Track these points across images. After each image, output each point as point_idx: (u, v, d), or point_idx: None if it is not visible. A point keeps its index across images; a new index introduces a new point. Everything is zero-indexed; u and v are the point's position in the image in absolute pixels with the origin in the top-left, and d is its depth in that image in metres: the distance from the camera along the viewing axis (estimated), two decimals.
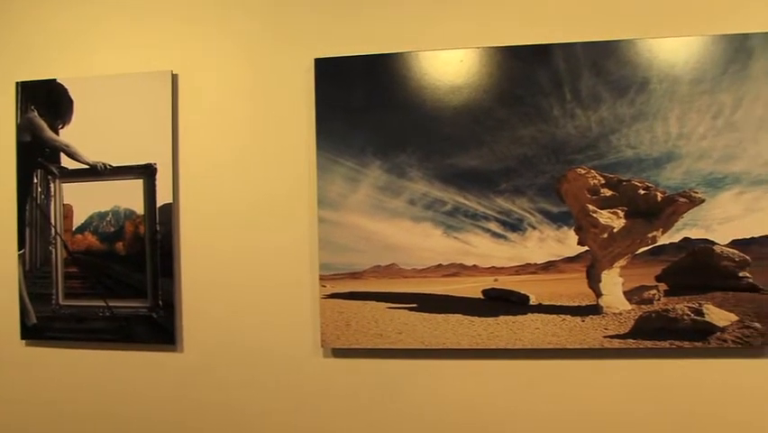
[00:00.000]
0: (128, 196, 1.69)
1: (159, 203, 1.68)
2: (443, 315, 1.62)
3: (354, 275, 1.64)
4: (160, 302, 1.68)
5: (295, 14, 1.67)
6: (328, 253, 1.64)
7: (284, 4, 1.68)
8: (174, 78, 1.69)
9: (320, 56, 1.64)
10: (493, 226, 1.60)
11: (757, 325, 1.54)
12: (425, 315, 1.62)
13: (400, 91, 1.62)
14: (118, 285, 1.70)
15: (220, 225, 1.68)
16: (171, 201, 1.68)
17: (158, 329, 1.68)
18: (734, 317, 1.54)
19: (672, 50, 1.57)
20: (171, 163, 1.68)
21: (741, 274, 1.55)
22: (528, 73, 1.59)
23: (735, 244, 1.55)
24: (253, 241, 1.67)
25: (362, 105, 1.63)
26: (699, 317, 1.55)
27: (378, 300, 1.64)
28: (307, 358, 1.66)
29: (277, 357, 1.66)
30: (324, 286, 1.64)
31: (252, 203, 1.67)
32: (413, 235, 1.62)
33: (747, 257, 1.55)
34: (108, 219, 1.70)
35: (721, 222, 1.55)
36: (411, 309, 1.63)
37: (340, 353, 1.64)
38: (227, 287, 1.67)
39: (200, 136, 1.69)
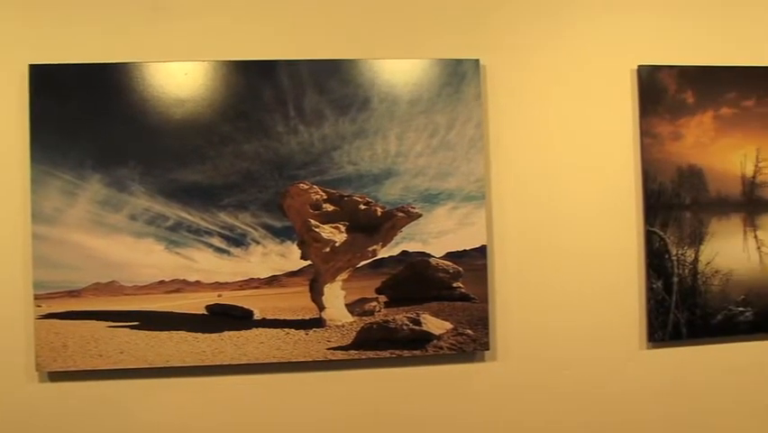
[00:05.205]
0: None
1: None
2: (166, 332, 1.58)
3: (72, 294, 1.56)
4: None
5: (8, 17, 1.57)
6: (43, 270, 1.55)
7: None
8: None
9: (36, 62, 1.55)
10: (216, 241, 1.59)
11: (469, 332, 1.63)
12: (148, 333, 1.58)
13: (122, 103, 1.57)
14: None
15: None
16: None
17: None
18: (449, 326, 1.63)
19: (393, 71, 1.63)
20: None
21: (455, 285, 1.64)
22: (253, 89, 1.59)
23: (449, 256, 1.64)
24: None
25: (82, 115, 1.56)
26: (416, 327, 1.62)
27: (98, 319, 1.57)
28: (21, 384, 1.56)
29: None
30: (40, 306, 1.55)
31: None
32: (134, 251, 1.57)
33: (460, 268, 1.64)
34: None
35: (436, 236, 1.63)
36: (133, 328, 1.58)
37: (56, 376, 1.56)
38: None
39: None
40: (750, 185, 1.69)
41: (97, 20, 1.59)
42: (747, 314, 1.68)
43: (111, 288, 1.57)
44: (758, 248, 1.69)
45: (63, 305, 1.56)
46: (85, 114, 1.57)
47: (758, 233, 1.69)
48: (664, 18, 1.70)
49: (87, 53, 1.58)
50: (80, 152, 1.56)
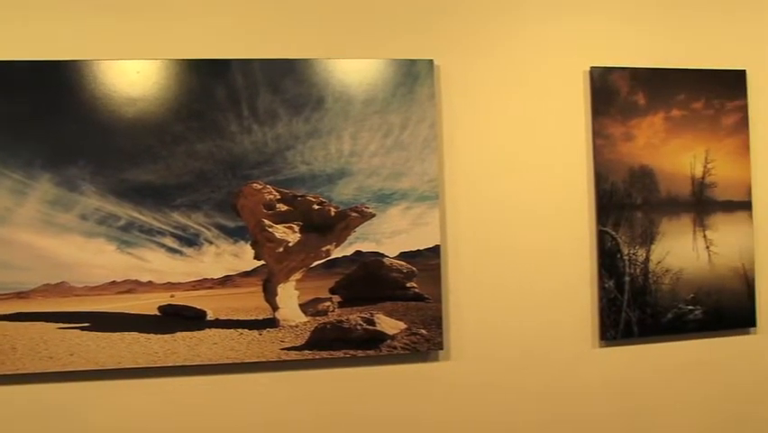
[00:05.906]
0: None
1: None
2: (118, 333, 1.57)
3: (21, 295, 1.54)
4: None
5: None
6: None
7: None
8: None
9: None
10: (169, 241, 1.58)
11: (423, 331, 1.64)
12: (100, 334, 1.56)
13: (73, 101, 1.55)
14: None
15: None
16: None
17: None
18: (402, 325, 1.64)
19: (347, 71, 1.63)
20: None
21: (408, 285, 1.65)
22: (206, 88, 1.59)
23: (402, 256, 1.64)
24: None
25: (31, 114, 1.55)
26: (370, 327, 1.62)
27: (47, 321, 1.55)
28: None
29: None
30: None
31: None
32: (85, 252, 1.56)
33: (414, 268, 1.65)
34: None
35: (390, 235, 1.64)
36: (84, 329, 1.56)
37: (4, 380, 1.54)
38: None
39: None
40: (699, 185, 1.72)
41: (48, 17, 1.58)
42: (696, 312, 1.71)
43: (61, 288, 1.56)
44: (707, 247, 1.72)
45: (11, 306, 1.54)
46: (35, 111, 1.55)
47: (707, 232, 1.72)
48: (617, 20, 1.72)
49: (38, 50, 1.56)
50: (30, 150, 1.54)
